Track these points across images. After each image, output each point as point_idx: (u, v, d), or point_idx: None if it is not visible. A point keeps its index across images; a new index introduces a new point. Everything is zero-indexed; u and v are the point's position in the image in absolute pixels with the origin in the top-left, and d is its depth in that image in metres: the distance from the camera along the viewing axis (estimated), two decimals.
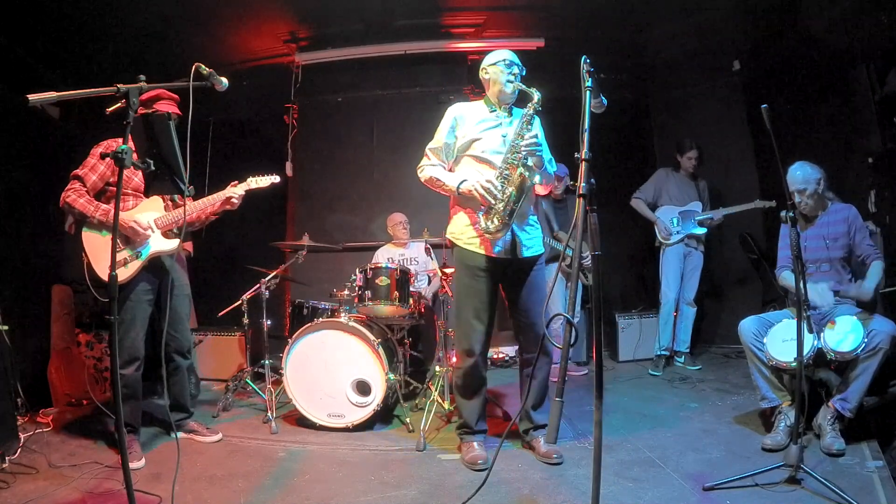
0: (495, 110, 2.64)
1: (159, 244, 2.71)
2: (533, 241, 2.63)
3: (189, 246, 4.21)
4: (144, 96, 2.72)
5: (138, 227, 2.60)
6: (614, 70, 5.26)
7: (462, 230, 2.61)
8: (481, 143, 2.57)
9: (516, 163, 2.43)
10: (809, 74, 4.37)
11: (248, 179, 2.93)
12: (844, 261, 2.76)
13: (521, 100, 2.66)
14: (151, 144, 1.88)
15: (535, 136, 2.45)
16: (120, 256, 2.60)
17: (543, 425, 2.64)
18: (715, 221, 4.29)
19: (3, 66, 3.67)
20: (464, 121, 2.63)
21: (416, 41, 4.96)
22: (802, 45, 4.29)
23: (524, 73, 2.62)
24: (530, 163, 2.45)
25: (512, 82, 2.56)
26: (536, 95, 2.50)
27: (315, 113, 5.35)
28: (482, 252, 2.54)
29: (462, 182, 2.51)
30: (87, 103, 4.12)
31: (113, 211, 2.54)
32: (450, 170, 2.70)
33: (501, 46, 2.81)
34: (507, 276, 2.62)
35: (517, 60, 2.62)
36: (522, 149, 2.43)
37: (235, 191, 2.85)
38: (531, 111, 2.51)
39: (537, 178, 2.45)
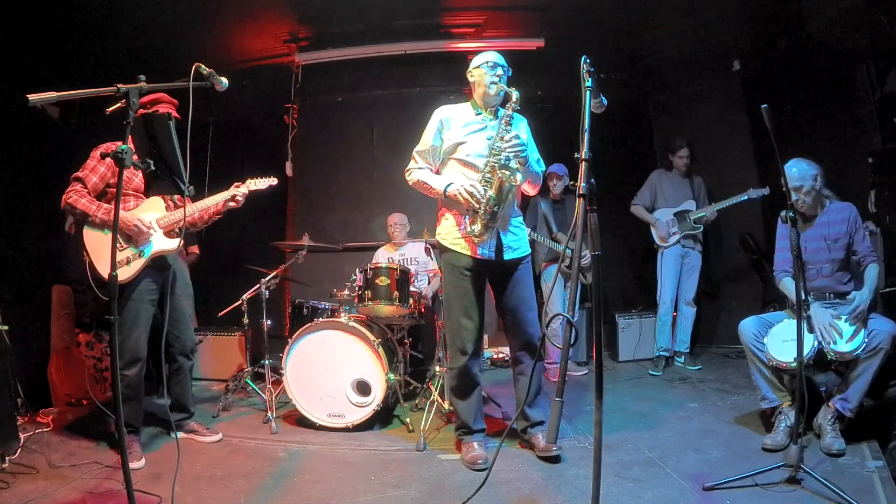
0: (481, 113, 2.64)
1: (162, 244, 2.71)
2: (518, 243, 2.64)
3: (196, 248, 4.21)
4: (144, 99, 2.73)
5: (142, 224, 2.60)
6: (614, 70, 5.26)
7: (448, 231, 2.63)
8: (466, 146, 2.58)
9: (495, 164, 2.44)
10: (809, 74, 4.37)
11: (247, 181, 2.94)
12: (845, 262, 2.74)
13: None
14: (151, 144, 1.88)
15: (516, 136, 2.45)
16: (122, 255, 2.61)
17: (540, 422, 2.65)
18: (710, 218, 4.28)
19: (3, 66, 3.67)
20: (450, 123, 2.63)
21: (416, 41, 4.96)
22: (802, 44, 4.30)
23: (510, 75, 2.61)
24: (513, 164, 2.45)
25: (496, 83, 2.55)
26: (515, 94, 2.50)
27: (315, 113, 5.35)
28: (467, 253, 2.56)
29: (449, 185, 2.53)
30: (87, 103, 4.12)
31: (113, 210, 2.55)
32: (437, 172, 2.71)
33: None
34: (493, 275, 2.65)
35: (502, 62, 2.61)
36: (505, 150, 2.44)
37: (239, 190, 2.87)
38: (510, 111, 2.51)
39: (519, 178, 2.44)
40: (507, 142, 2.45)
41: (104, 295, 2.53)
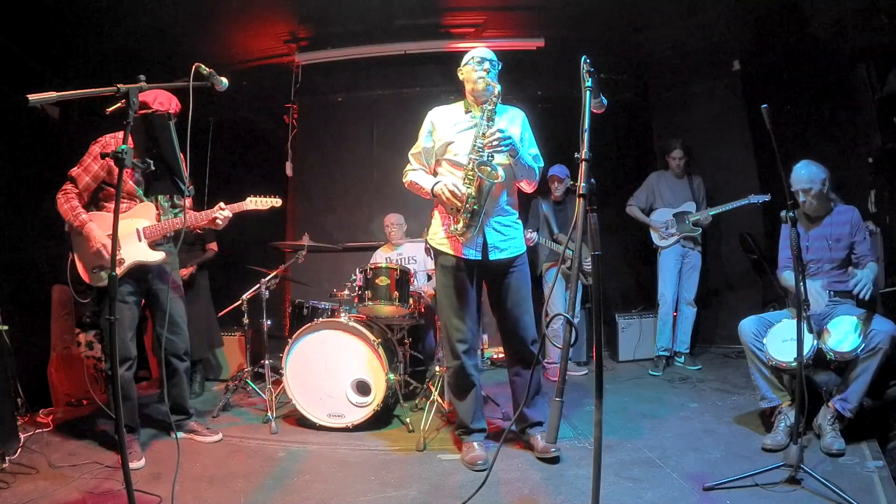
0: (471, 111, 2.60)
1: (143, 255, 2.68)
2: (507, 244, 2.59)
3: (214, 245, 4.21)
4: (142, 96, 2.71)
5: (105, 251, 2.57)
6: (614, 70, 5.26)
7: (436, 230, 2.64)
8: (455, 145, 2.56)
9: (477, 162, 2.41)
10: (809, 74, 4.36)
11: (248, 199, 2.92)
12: (845, 261, 2.76)
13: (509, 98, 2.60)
14: (151, 144, 1.88)
15: (500, 131, 2.40)
16: (99, 262, 2.62)
17: (539, 422, 2.64)
18: (704, 221, 4.27)
19: (3, 66, 3.67)
20: (440, 124, 2.61)
21: (416, 41, 4.96)
22: (802, 45, 4.29)
23: (499, 69, 2.57)
24: (496, 160, 2.42)
25: (482, 78, 2.51)
26: (497, 88, 2.47)
27: (315, 113, 5.36)
28: (452, 253, 2.55)
29: (436, 184, 2.52)
30: (87, 103, 4.13)
31: (90, 223, 2.55)
32: (432, 174, 2.68)
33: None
34: (486, 276, 2.63)
35: (490, 56, 2.57)
36: (487, 146, 2.40)
37: (223, 213, 2.82)
38: (491, 106, 2.47)
39: (500, 174, 2.39)
40: (487, 138, 2.41)
41: (82, 297, 2.58)
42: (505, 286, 2.60)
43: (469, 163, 2.45)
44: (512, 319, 2.61)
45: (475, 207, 2.41)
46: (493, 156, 2.42)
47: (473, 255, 2.54)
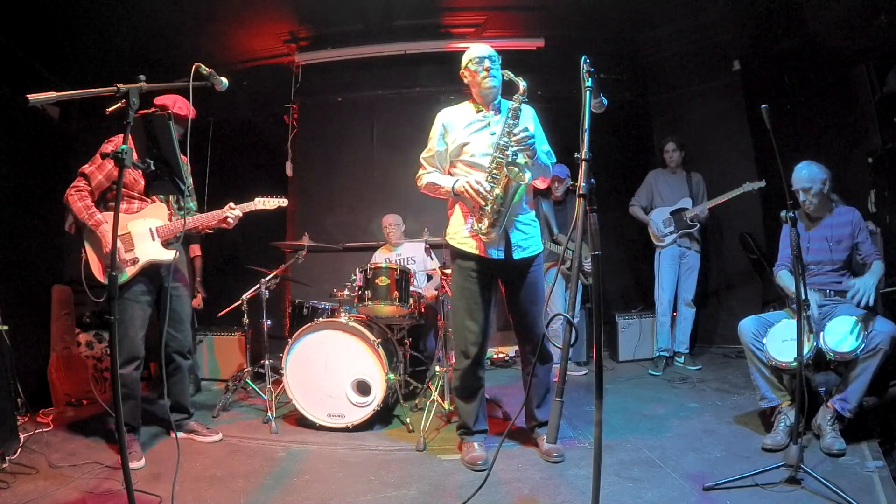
0: (482, 110, 2.60)
1: (157, 253, 2.69)
2: (528, 242, 2.58)
3: (197, 249, 4.22)
4: (158, 100, 2.73)
5: (119, 253, 2.57)
6: (614, 70, 5.26)
7: (456, 230, 2.60)
8: (471, 146, 2.54)
9: (503, 161, 2.40)
10: (809, 74, 4.36)
11: (255, 200, 2.94)
12: (846, 263, 2.76)
13: (510, 91, 2.56)
14: (151, 144, 1.88)
15: (525, 130, 2.40)
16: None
17: (546, 422, 2.63)
18: (701, 215, 4.25)
19: (3, 66, 3.67)
20: (452, 126, 2.59)
21: (416, 41, 4.97)
22: (802, 45, 4.29)
23: (499, 63, 2.55)
24: (521, 159, 2.40)
25: (490, 77, 2.51)
26: (522, 85, 2.44)
27: (315, 113, 5.36)
28: (475, 252, 2.52)
29: (456, 182, 2.50)
30: (87, 103, 4.12)
31: (105, 224, 2.55)
32: (447, 174, 2.67)
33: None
34: (503, 275, 2.61)
35: (488, 53, 2.55)
36: (513, 145, 2.38)
37: (234, 212, 2.84)
38: (517, 104, 2.44)
39: (528, 176, 2.37)
40: (515, 136, 2.38)
41: (96, 296, 2.57)
42: (525, 285, 2.58)
43: (493, 162, 2.43)
44: (531, 318, 2.59)
45: (502, 208, 2.40)
46: (517, 154, 2.39)
47: (497, 254, 2.52)
